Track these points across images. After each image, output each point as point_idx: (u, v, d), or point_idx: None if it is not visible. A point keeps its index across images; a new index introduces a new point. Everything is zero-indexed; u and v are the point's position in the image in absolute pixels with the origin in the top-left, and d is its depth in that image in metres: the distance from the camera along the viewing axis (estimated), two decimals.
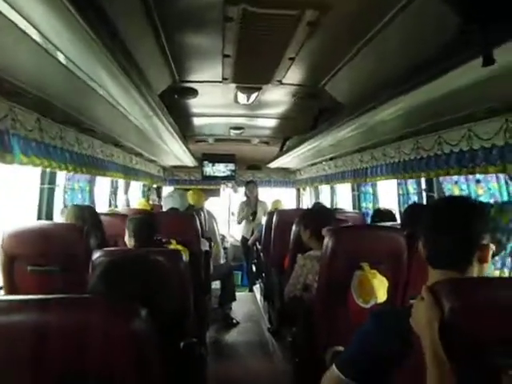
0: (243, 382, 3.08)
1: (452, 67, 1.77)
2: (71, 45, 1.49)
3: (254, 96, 3.29)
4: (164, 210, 4.39)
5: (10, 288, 2.13)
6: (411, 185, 3.59)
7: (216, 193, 7.46)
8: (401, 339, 1.09)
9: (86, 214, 2.53)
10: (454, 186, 2.89)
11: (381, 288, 2.13)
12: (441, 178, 3.02)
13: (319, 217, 2.90)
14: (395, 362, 1.09)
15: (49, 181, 2.95)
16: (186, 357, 1.30)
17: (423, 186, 3.38)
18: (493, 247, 1.19)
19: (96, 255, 1.77)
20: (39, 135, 2.38)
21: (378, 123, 3.05)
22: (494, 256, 1.23)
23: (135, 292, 1.14)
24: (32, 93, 1.87)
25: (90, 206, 2.83)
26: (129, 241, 2.48)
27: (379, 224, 3.06)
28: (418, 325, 1.04)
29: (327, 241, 2.25)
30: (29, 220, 2.75)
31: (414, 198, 3.52)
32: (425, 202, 3.31)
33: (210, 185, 7.39)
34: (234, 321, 4.47)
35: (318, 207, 4.12)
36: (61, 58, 1.58)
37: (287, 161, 5.92)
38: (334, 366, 1.25)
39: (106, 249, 1.97)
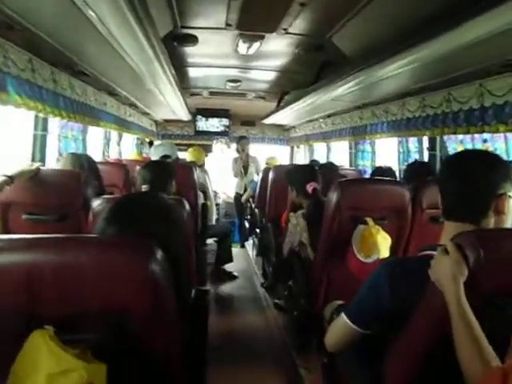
0: (241, 335, 3.12)
1: (465, 19, 1.68)
2: None
3: (255, 46, 3.15)
4: (154, 159, 4.32)
5: None
6: (412, 143, 3.54)
7: (209, 148, 7.35)
8: (415, 292, 1.06)
9: (83, 162, 2.44)
10: (459, 145, 2.85)
11: (384, 244, 2.12)
12: (445, 137, 2.97)
13: (301, 173, 2.84)
14: (406, 317, 1.07)
15: (42, 127, 2.83)
16: (196, 304, 1.27)
17: (425, 144, 3.33)
18: None
19: (96, 203, 1.70)
20: (32, 76, 2.26)
21: (384, 79, 2.94)
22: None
23: (144, 233, 1.08)
24: (23, 26, 1.74)
25: (87, 155, 2.73)
26: (142, 189, 2.41)
27: None
28: (440, 279, 1.00)
29: (331, 194, 2.21)
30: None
31: (415, 156, 3.49)
32: (426, 160, 3.27)
33: (203, 140, 7.27)
34: (236, 273, 4.52)
35: (297, 165, 4.02)
36: None
37: (283, 117, 5.81)
38: (344, 316, 1.25)
39: (106, 196, 1.90)
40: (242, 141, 6.11)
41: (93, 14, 1.60)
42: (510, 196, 1.14)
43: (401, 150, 3.66)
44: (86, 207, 1.92)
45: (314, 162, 4.88)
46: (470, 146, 2.77)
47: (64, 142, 3.20)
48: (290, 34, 2.82)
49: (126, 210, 1.14)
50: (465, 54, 2.15)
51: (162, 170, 2.50)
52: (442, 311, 0.98)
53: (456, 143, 2.91)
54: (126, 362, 0.89)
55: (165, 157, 3.95)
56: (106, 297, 0.88)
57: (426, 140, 3.34)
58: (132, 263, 0.87)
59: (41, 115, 2.62)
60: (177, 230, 1.19)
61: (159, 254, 0.90)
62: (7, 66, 1.99)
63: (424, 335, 1.05)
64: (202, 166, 4.82)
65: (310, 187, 2.70)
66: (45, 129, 2.88)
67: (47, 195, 2.06)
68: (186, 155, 5.17)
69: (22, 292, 0.86)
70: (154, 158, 4.48)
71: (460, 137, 2.84)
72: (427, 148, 3.22)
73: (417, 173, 2.64)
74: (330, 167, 3.90)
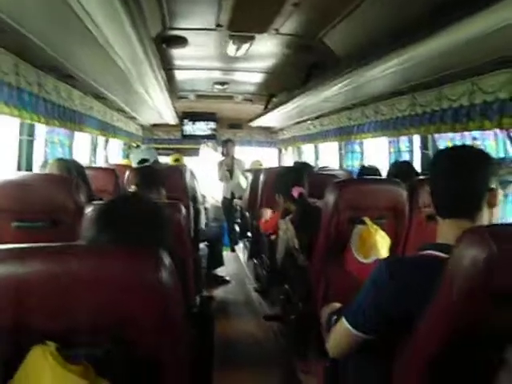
0: (237, 340, 3.08)
1: (456, 18, 1.70)
2: None
3: (245, 47, 3.14)
4: (133, 164, 4.28)
5: None
6: (403, 142, 3.56)
7: (196, 152, 7.29)
8: (420, 293, 1.03)
9: (71, 168, 2.37)
10: (449, 142, 2.86)
11: (383, 244, 2.11)
12: (436, 136, 2.99)
13: (285, 178, 2.79)
14: (411, 322, 1.04)
15: (28, 132, 2.76)
16: (202, 311, 1.24)
17: (416, 143, 3.35)
18: (500, 191, 1.16)
19: (90, 208, 1.64)
20: (15, 79, 2.19)
21: (375, 78, 2.96)
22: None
23: (143, 239, 1.04)
24: (10, 27, 1.68)
25: (75, 160, 2.67)
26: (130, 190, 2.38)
27: None
28: None
29: (328, 195, 2.19)
30: (8, 172, 2.57)
31: (406, 156, 3.50)
32: (420, 159, 3.28)
33: (190, 144, 7.22)
34: (228, 278, 4.47)
35: (284, 167, 3.97)
36: None
37: (271, 119, 5.81)
38: (344, 321, 1.20)
39: (99, 202, 1.84)
40: (226, 144, 6.03)
41: (83, 13, 1.55)
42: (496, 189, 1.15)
43: (391, 150, 3.67)
44: (78, 212, 1.86)
45: (297, 164, 4.80)
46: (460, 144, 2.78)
47: (51, 147, 3.12)
48: (281, 34, 2.82)
49: (117, 216, 1.09)
50: (456, 53, 2.16)
51: (150, 173, 2.48)
52: (453, 315, 0.96)
53: (446, 141, 2.92)
54: (131, 375, 0.85)
55: (143, 161, 3.90)
56: (110, 308, 0.84)
57: (416, 139, 3.36)
58: (140, 272, 0.84)
59: (19, 121, 2.55)
60: (173, 235, 1.15)
61: (167, 261, 0.86)
62: None
63: (432, 339, 1.03)
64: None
65: (295, 192, 2.65)
66: (31, 134, 2.80)
67: (37, 201, 1.98)
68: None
69: (19, 305, 0.82)
70: (133, 162, 4.44)
71: (450, 135, 2.86)
72: (420, 147, 3.23)
73: (401, 172, 2.64)
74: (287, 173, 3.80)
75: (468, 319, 0.99)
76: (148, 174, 2.47)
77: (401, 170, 2.72)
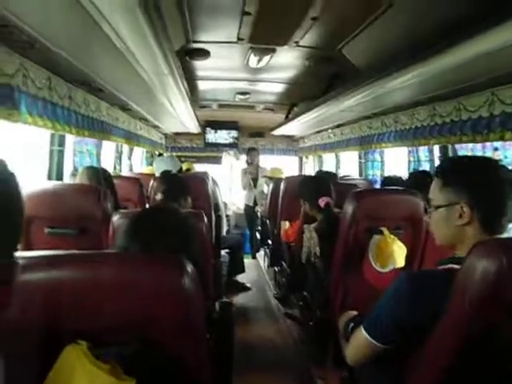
0: (256, 346, 3.12)
1: (476, 32, 1.70)
2: None
3: (266, 59, 3.21)
4: (157, 174, 4.34)
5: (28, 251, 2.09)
6: (423, 152, 3.55)
7: (218, 160, 7.40)
8: (437, 306, 1.04)
9: (100, 176, 2.48)
10: (470, 153, 2.86)
11: (400, 254, 2.13)
12: (457, 146, 2.99)
13: (313, 188, 2.80)
14: (426, 331, 1.07)
15: (58, 142, 2.88)
16: (222, 317, 1.29)
17: (436, 153, 3.34)
18: None
19: (116, 217, 1.73)
20: (48, 94, 2.31)
21: (394, 90, 2.98)
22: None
23: (169, 246, 1.11)
24: (43, 44, 1.79)
25: (104, 169, 2.77)
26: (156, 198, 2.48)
27: None
28: None
29: (346, 205, 2.23)
30: (43, 181, 2.69)
31: (426, 166, 3.50)
32: None
33: (212, 152, 7.32)
34: (249, 285, 4.51)
35: (311, 176, 3.98)
36: (79, 2, 1.48)
37: (292, 128, 5.85)
38: (362, 330, 1.23)
39: (125, 210, 1.93)
40: (251, 152, 6.10)
41: (111, 31, 1.65)
42: None
43: (411, 160, 3.67)
44: (105, 221, 1.95)
45: (319, 173, 4.83)
46: (480, 154, 2.78)
47: (79, 156, 3.24)
48: (301, 46, 2.87)
49: (147, 226, 1.17)
50: (475, 65, 2.16)
51: (176, 183, 2.54)
52: (465, 327, 0.98)
53: (467, 151, 2.92)
54: (155, 375, 0.91)
55: (166, 172, 3.96)
56: (136, 312, 0.90)
57: (436, 149, 3.35)
58: (165, 278, 0.90)
59: (52, 132, 2.66)
60: (196, 244, 1.21)
61: (190, 268, 0.92)
62: (25, 85, 2.04)
63: (444, 350, 1.05)
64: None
65: (322, 202, 2.67)
66: (61, 144, 2.92)
67: (67, 209, 2.09)
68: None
69: (54, 308, 0.88)
70: (157, 171, 4.51)
71: (470, 145, 2.86)
72: (439, 157, 3.23)
73: (418, 182, 2.64)
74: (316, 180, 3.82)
75: (480, 330, 1.00)
76: (175, 183, 2.55)
77: (418, 180, 2.73)
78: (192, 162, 5.99)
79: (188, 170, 5.14)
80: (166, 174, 2.59)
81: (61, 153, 2.92)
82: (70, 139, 3.14)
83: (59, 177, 2.91)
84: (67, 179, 2.97)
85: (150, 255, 1.00)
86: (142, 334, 0.90)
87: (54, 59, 2.07)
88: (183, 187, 2.51)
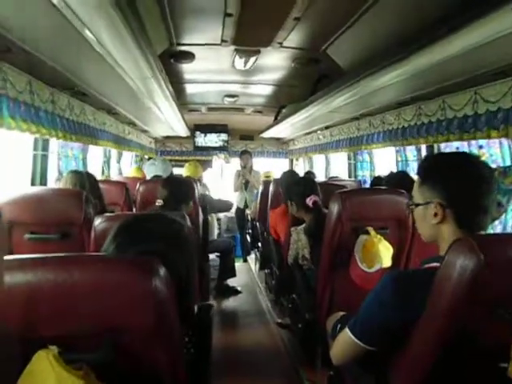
0: (245, 350, 3.09)
1: (458, 28, 1.70)
2: None
3: (252, 60, 3.20)
4: (148, 178, 4.31)
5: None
6: (410, 152, 3.56)
7: (208, 164, 7.38)
8: (420, 306, 1.05)
9: (84, 180, 2.45)
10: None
11: (386, 254, 2.12)
12: (442, 145, 2.99)
13: (300, 187, 2.76)
14: (409, 329, 1.07)
15: (42, 147, 2.85)
16: (200, 319, 1.27)
17: (423, 152, 3.35)
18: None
19: (98, 221, 1.70)
20: (30, 98, 2.28)
21: (380, 89, 2.98)
22: (494, 220, 1.20)
23: (151, 250, 1.09)
24: (22, 48, 1.77)
25: (89, 172, 2.74)
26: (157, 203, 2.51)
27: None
28: None
29: (331, 205, 2.21)
30: (23, 186, 2.65)
31: (413, 165, 3.50)
32: None
33: (202, 156, 7.30)
34: (239, 288, 4.49)
35: (295, 176, 3.94)
36: (56, 7, 1.46)
37: (281, 130, 5.84)
38: (347, 331, 1.22)
39: (107, 214, 1.90)
40: (243, 155, 6.05)
41: (90, 35, 1.63)
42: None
43: (399, 159, 3.68)
44: (87, 225, 1.92)
45: (307, 175, 4.83)
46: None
47: (64, 160, 3.21)
48: (286, 47, 2.87)
49: (127, 230, 1.14)
50: (458, 63, 2.18)
51: (179, 189, 2.57)
52: (444, 326, 0.98)
53: (452, 149, 2.92)
54: (128, 380, 0.89)
55: (156, 177, 3.94)
56: (108, 315, 0.88)
57: (424, 148, 3.36)
58: (135, 281, 0.87)
59: (37, 136, 2.64)
60: (178, 247, 1.19)
61: (162, 271, 0.90)
62: (4, 89, 2.02)
63: (428, 347, 1.05)
64: (199, 181, 4.78)
65: (310, 200, 2.64)
66: (45, 149, 2.89)
67: (49, 214, 2.06)
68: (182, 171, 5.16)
69: (23, 312, 0.86)
70: (148, 175, 4.48)
71: (456, 143, 2.86)
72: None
73: (397, 182, 2.62)
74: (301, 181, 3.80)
75: (458, 328, 1.00)
76: (177, 188, 2.58)
77: (397, 180, 2.71)
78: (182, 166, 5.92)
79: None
80: (169, 180, 2.60)
81: (44, 157, 2.88)
82: (55, 143, 3.10)
83: (43, 182, 2.87)
84: (52, 184, 2.93)
85: (119, 258, 0.98)
86: (114, 339, 0.88)
87: (34, 63, 2.05)
88: (188, 193, 2.57)
